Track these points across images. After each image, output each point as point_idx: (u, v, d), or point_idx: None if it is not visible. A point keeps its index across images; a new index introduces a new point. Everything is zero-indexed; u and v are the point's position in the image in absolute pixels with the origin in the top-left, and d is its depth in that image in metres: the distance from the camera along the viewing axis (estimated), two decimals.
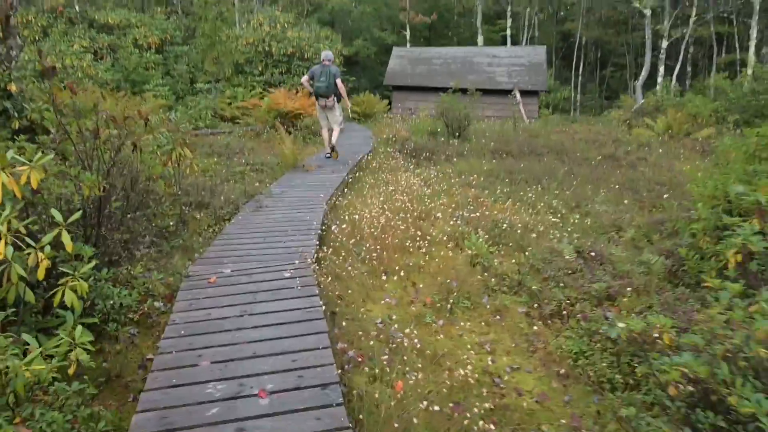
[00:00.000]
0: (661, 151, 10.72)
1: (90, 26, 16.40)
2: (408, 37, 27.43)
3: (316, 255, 4.47)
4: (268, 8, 20.53)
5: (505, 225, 5.81)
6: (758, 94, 14.71)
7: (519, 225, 5.83)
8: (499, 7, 35.35)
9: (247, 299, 3.60)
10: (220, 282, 3.91)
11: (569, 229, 5.62)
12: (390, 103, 19.82)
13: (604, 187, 7.90)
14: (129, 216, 4.40)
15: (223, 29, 15.75)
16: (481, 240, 4.90)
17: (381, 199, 6.74)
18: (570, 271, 4.19)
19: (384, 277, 4.48)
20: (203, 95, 15.06)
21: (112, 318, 3.53)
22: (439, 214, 6.43)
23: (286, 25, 18.60)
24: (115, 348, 3.45)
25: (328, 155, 9.44)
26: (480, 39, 26.75)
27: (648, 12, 17.03)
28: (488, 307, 4.00)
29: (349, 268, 4.39)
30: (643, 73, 17.75)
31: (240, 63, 17.52)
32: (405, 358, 3.19)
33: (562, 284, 4.09)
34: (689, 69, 19.25)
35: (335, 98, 8.93)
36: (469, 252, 4.91)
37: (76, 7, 16.15)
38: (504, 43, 32.01)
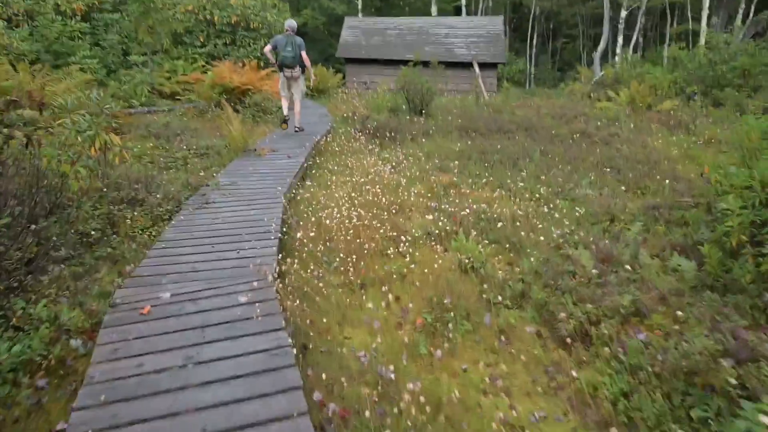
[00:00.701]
0: (632, 126, 10.34)
1: None
2: (360, 7, 26.20)
3: (277, 268, 3.66)
4: None
5: (489, 215, 5.16)
6: (715, 65, 14.63)
7: (504, 216, 5.19)
8: None
9: (193, 339, 2.77)
10: (156, 312, 3.05)
11: (564, 221, 5.02)
12: (344, 77, 18.77)
13: (582, 166, 7.38)
14: (32, 227, 3.43)
15: None
16: (471, 240, 4.20)
17: (348, 189, 5.94)
18: (584, 279, 3.56)
19: (362, 292, 3.73)
20: (138, 69, 13.58)
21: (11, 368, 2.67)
22: (413, 206, 5.72)
23: None
24: (12, 414, 2.59)
25: (287, 118, 9.28)
26: (434, 9, 25.85)
27: None
28: (491, 327, 3.33)
29: (320, 284, 3.61)
30: (602, 44, 17.44)
31: (179, 33, 15.99)
32: (401, 410, 2.48)
33: (572, 294, 3.46)
34: (641, 40, 19.10)
35: (300, 69, 8.66)
36: (458, 255, 4.22)
37: None
38: (457, 14, 31.22)
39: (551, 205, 5.64)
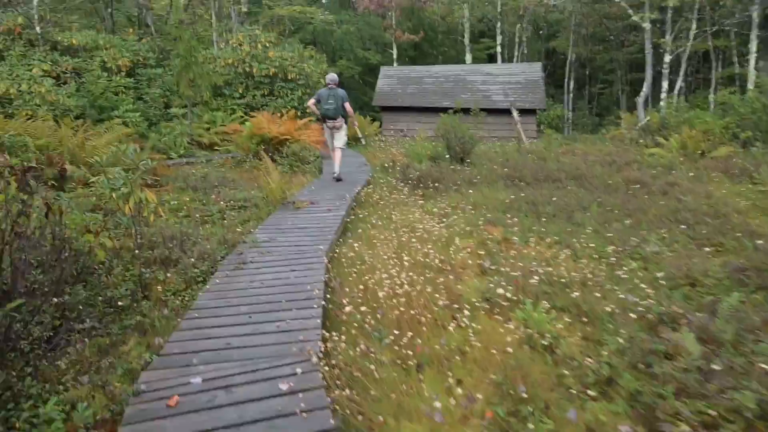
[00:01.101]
0: (692, 174, 9.70)
1: (53, 49, 15.06)
2: (395, 56, 26.54)
3: (322, 346, 3.21)
4: (248, 27, 19.41)
5: (552, 277, 4.63)
6: None
7: (570, 278, 4.65)
8: (483, 26, 34.86)
9: None
10: (185, 404, 2.62)
11: (638, 284, 4.44)
12: (380, 125, 18.73)
13: (644, 220, 6.79)
14: (54, 300, 3.10)
15: (200, 50, 14.56)
16: (541, 312, 3.68)
17: (393, 246, 5.51)
18: (684, 364, 2.98)
19: (419, 374, 3.23)
20: (178, 121, 13.78)
21: None
22: (464, 265, 5.24)
23: (267, 44, 17.47)
24: None
25: (335, 174, 9.19)
26: (468, 57, 25.97)
27: (647, 26, 16.29)
28: (578, 424, 2.77)
29: (371, 365, 3.14)
30: (645, 89, 16.94)
31: (218, 85, 16.31)
32: None
33: (673, 385, 2.88)
34: (683, 85, 18.53)
35: (343, 120, 9.03)
36: (524, 326, 3.69)
37: (37, 29, 14.82)
38: (490, 62, 31.36)
39: (619, 265, 5.07)
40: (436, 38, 34.18)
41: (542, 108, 17.33)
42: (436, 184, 8.73)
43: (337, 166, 9.17)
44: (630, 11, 16.67)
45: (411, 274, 4.54)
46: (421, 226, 6.28)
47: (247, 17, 25.85)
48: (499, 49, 24.69)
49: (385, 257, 5.16)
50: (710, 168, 10.53)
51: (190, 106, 14.30)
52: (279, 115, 13.13)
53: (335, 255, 5.42)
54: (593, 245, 5.72)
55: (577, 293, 4.30)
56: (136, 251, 4.58)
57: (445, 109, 17.63)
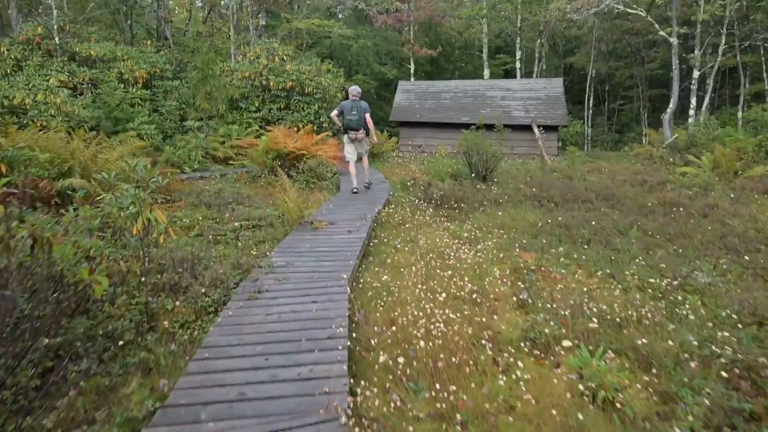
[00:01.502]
0: (731, 195, 9.16)
1: (71, 59, 14.96)
2: (412, 71, 26.30)
3: (350, 400, 2.77)
4: (266, 40, 19.25)
5: (599, 312, 4.16)
6: None
7: (619, 314, 4.18)
8: (501, 41, 34.60)
9: None
10: None
11: (698, 322, 3.96)
12: (397, 140, 18.38)
13: (690, 246, 6.30)
14: (48, 338, 2.70)
15: (217, 62, 14.36)
16: (602, 359, 3.20)
17: (420, 273, 5.08)
18: None
19: None
20: (193, 134, 13.53)
21: None
22: (498, 296, 4.79)
23: (285, 57, 17.28)
24: None
25: (355, 190, 9.32)
26: (486, 72, 25.64)
27: (675, 41, 15.80)
28: None
29: (409, 426, 2.69)
30: (671, 106, 16.39)
31: (235, 98, 16.10)
32: None
33: None
34: (707, 101, 17.97)
35: (365, 131, 9.20)
36: (576, 374, 3.23)
37: (56, 39, 14.73)
38: (507, 77, 31.02)
39: (673, 299, 4.59)
40: (453, 54, 33.99)
41: (564, 124, 16.88)
42: (461, 205, 8.29)
43: (367, 174, 9.73)
44: (656, 26, 16.21)
45: (444, 309, 4.10)
46: (449, 251, 5.83)
47: (265, 30, 25.81)
48: (518, 64, 24.32)
49: (413, 287, 4.73)
50: (747, 188, 9.99)
51: (206, 119, 14.07)
52: (295, 129, 12.83)
53: (358, 283, 5.00)
54: (640, 275, 5.23)
55: (629, 329, 3.82)
56: (143, 278, 4.19)
57: (463, 125, 17.28)
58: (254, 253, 5.84)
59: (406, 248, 6.22)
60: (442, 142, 17.40)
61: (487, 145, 10.34)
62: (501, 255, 6.06)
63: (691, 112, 15.85)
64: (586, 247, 6.31)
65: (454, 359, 3.40)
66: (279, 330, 3.61)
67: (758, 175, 11.35)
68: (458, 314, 4.05)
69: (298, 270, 4.99)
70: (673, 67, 16.04)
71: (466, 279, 5.01)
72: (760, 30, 16.56)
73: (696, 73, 15.77)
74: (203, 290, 4.42)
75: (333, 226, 6.77)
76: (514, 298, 4.78)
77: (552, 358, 3.60)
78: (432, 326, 3.72)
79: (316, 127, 15.11)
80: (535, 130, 16.37)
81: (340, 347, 3.28)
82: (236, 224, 7.12)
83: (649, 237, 6.66)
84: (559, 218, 7.55)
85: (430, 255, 5.78)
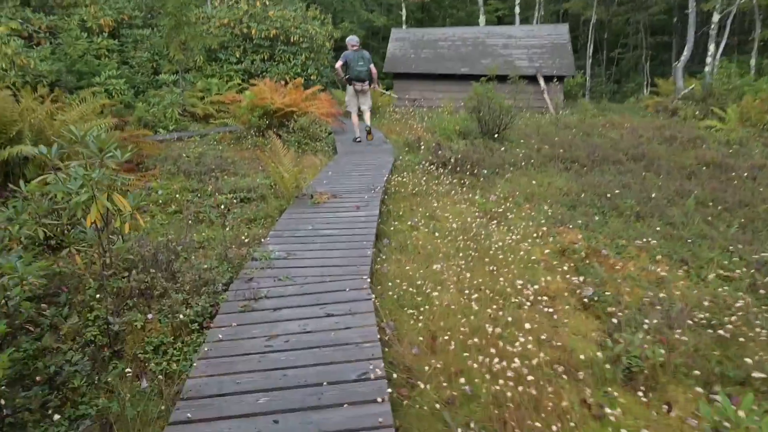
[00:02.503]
0: None
1: (24, 4, 13.26)
2: (403, 18, 24.61)
3: None
4: None
5: (691, 316, 3.26)
6: None
7: (722, 320, 3.28)
8: None
9: None
10: None
11: None
12: (393, 95, 17.06)
13: (755, 217, 5.40)
14: None
15: (192, 7, 12.80)
16: (752, 407, 2.28)
17: (456, 259, 4.13)
18: None
19: None
20: (168, 89, 12.14)
21: None
22: (550, 290, 3.86)
23: (267, 2, 15.65)
24: None
25: (359, 139, 9.40)
26: (482, 19, 24.05)
27: None
28: None
29: None
30: (685, 53, 15.24)
31: (213, 48, 14.58)
32: None
33: None
34: (721, 48, 16.75)
35: (369, 82, 9.02)
36: (694, 417, 2.33)
37: None
38: (500, 25, 29.34)
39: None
40: (444, 0, 32.06)
41: (572, 74, 15.71)
42: (478, 169, 7.26)
43: (367, 119, 9.36)
44: None
45: (494, 309, 3.16)
46: (479, 230, 4.84)
47: None
48: (517, 9, 22.74)
49: (450, 284, 3.77)
50: None
51: (182, 72, 12.66)
52: (283, 83, 11.51)
53: (377, 278, 4.01)
54: (715, 259, 4.33)
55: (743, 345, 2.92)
56: (103, 279, 3.17)
57: (463, 77, 16.02)
58: (245, 237, 4.81)
59: (426, 227, 5.23)
60: (438, 95, 16.15)
61: (500, 100, 9.22)
62: (539, 232, 5.11)
63: (709, 59, 14.74)
64: (636, 221, 5.38)
65: (520, 388, 2.48)
66: (288, 365, 2.63)
67: None
68: (518, 325, 3.10)
69: (302, 263, 3.98)
70: (689, 10, 14.81)
71: (514, 269, 4.06)
72: None
73: (716, 17, 14.57)
74: (183, 297, 3.41)
75: (336, 199, 5.72)
76: (574, 296, 3.86)
77: (649, 388, 2.70)
78: (482, 338, 2.79)
79: (304, 81, 13.75)
80: (541, 81, 15.20)
81: (379, 399, 2.32)
82: (221, 197, 6.03)
83: (703, 206, 5.74)
84: (592, 183, 6.59)
85: (460, 237, 4.80)
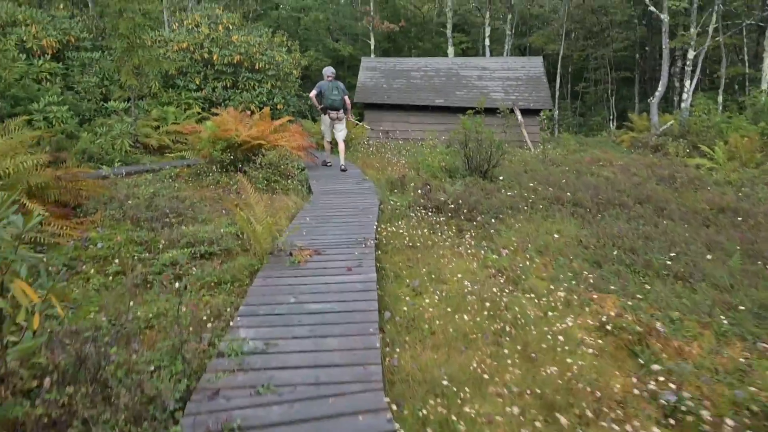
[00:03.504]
0: None
1: None
2: (372, 47, 24.07)
3: None
4: (207, 5, 16.47)
5: None
6: None
7: None
8: (458, 18, 32.73)
9: None
10: None
11: None
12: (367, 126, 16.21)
13: None
14: None
15: (147, 29, 11.71)
16: None
17: (482, 349, 3.18)
18: None
19: None
20: (118, 117, 10.91)
21: None
22: (610, 397, 2.95)
23: (230, 27, 14.68)
24: None
25: (329, 163, 9.79)
26: (450, 50, 23.77)
27: (666, 17, 14.45)
28: None
29: None
30: (660, 89, 15.10)
31: (171, 74, 13.45)
32: None
33: None
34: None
35: (344, 111, 9.27)
36: None
37: None
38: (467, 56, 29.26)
39: None
40: (410, 31, 31.87)
41: (549, 108, 15.29)
42: (476, 214, 6.39)
43: (342, 157, 9.39)
44: (647, 0, 14.79)
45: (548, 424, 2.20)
46: (496, 295, 3.91)
47: None
48: (487, 41, 22.54)
49: (482, 381, 2.81)
50: None
51: (135, 99, 11.45)
52: (248, 113, 10.48)
53: (389, 378, 3.00)
54: None
55: None
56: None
57: (437, 108, 15.39)
58: (208, 314, 3.72)
59: (435, 293, 4.27)
60: (413, 126, 15.44)
61: (490, 134, 8.48)
62: (568, 298, 4.24)
63: (685, 95, 14.61)
64: (676, 282, 4.57)
65: None
66: None
67: None
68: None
69: (288, 360, 2.94)
70: (663, 47, 14.71)
71: (556, 356, 3.15)
72: (745, 10, 15.53)
73: (692, 53, 14.51)
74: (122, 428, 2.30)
75: (321, 257, 4.69)
76: (640, 395, 2.95)
77: None
78: None
79: (271, 110, 12.75)
80: (518, 114, 14.69)
81: None
82: (176, 252, 4.91)
83: (746, 262, 5.00)
84: (610, 233, 5.81)
85: (477, 304, 3.86)
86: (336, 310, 3.56)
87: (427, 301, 4.17)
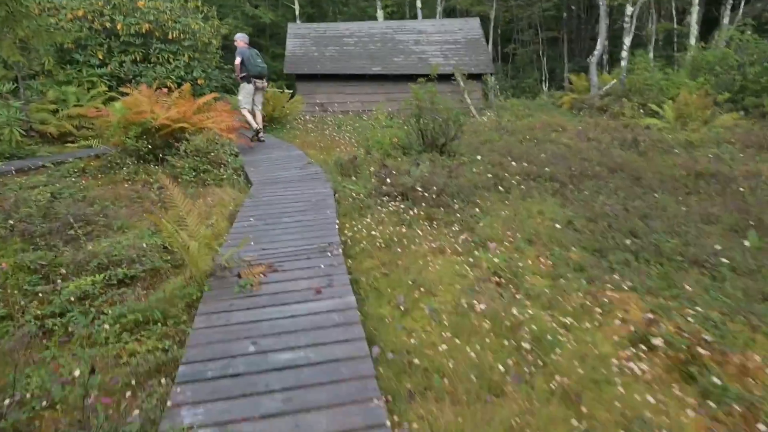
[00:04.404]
0: (742, 155, 7.48)
1: None
2: (297, 12, 22.42)
3: None
4: None
5: None
6: (744, 67, 12.41)
7: None
8: None
9: None
10: None
11: None
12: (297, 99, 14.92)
13: None
14: None
15: None
16: None
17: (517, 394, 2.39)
18: None
19: None
20: (3, 101, 9.11)
21: None
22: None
23: None
24: None
25: (262, 137, 9.33)
26: (380, 14, 22.61)
27: None
28: None
29: None
30: (598, 48, 14.81)
31: (66, 47, 11.54)
32: None
33: None
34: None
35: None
36: None
37: None
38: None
39: None
40: None
41: (490, 71, 14.64)
42: (445, 198, 5.58)
43: (260, 121, 9.30)
44: None
45: None
46: (496, 306, 3.13)
47: None
48: (419, 3, 21.48)
49: None
50: (738, 143, 8.46)
51: (22, 79, 9.65)
52: (165, 90, 9.02)
53: None
54: None
55: None
56: None
57: (375, 77, 14.37)
58: (132, 380, 2.69)
59: (426, 311, 3.44)
60: (350, 98, 14.35)
61: (448, 105, 7.65)
62: (582, 301, 3.54)
63: (624, 54, 14.40)
64: (698, 271, 3.98)
65: None
66: None
67: (729, 125, 10.02)
68: None
69: None
70: (601, 3, 14.37)
71: (598, 394, 2.42)
72: None
73: (629, 9, 14.24)
74: None
75: (277, 273, 3.71)
76: None
77: None
78: None
79: (192, 86, 11.26)
80: (459, 80, 13.94)
81: None
82: (84, 281, 3.76)
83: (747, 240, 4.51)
84: (597, 211, 5.19)
85: (482, 324, 3.08)
86: (313, 360, 2.64)
87: (419, 322, 3.35)
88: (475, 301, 3.54)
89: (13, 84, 9.61)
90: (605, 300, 3.58)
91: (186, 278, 3.74)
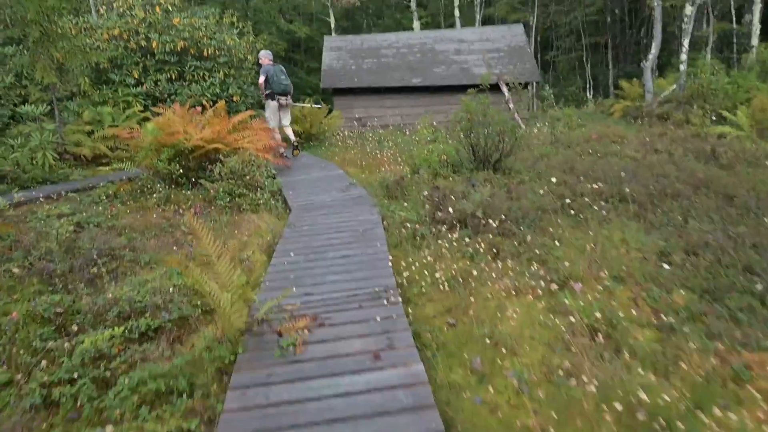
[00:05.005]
0: None
1: None
2: (332, 26, 22.14)
3: None
4: None
5: None
6: None
7: None
8: None
9: None
10: None
11: None
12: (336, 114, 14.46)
13: None
14: None
15: (65, 13, 9.64)
16: None
17: None
18: None
19: None
20: (37, 124, 8.90)
21: None
22: None
23: (169, 8, 12.60)
24: None
25: (290, 154, 9.17)
26: (416, 24, 22.09)
27: None
28: None
29: None
30: (653, 51, 13.84)
31: (102, 67, 11.39)
32: None
33: None
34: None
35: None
36: None
37: None
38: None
39: None
40: (369, 7, 29.94)
41: (536, 80, 13.87)
42: (509, 224, 4.86)
43: (292, 134, 9.28)
44: None
45: None
46: (605, 378, 2.40)
47: None
48: (457, 12, 20.88)
49: None
50: None
51: (56, 101, 9.44)
52: (199, 108, 8.63)
53: None
54: None
55: None
56: None
57: (415, 89, 13.78)
58: None
59: (511, 378, 2.74)
60: (390, 111, 13.79)
61: (503, 119, 6.96)
62: (708, 367, 2.78)
63: (683, 57, 13.39)
64: None
65: None
66: None
67: None
68: None
69: None
70: (656, 4, 13.42)
71: None
72: None
73: (689, 9, 13.24)
74: None
75: (324, 328, 3.08)
76: None
77: None
78: None
79: (227, 104, 10.90)
80: (504, 89, 13.21)
81: None
82: (101, 336, 3.21)
83: None
84: (704, 239, 4.38)
85: (591, 403, 2.35)
86: None
87: (502, 395, 2.66)
88: (568, 363, 2.84)
89: (47, 106, 9.40)
90: (741, 365, 2.81)
91: (217, 333, 3.15)
